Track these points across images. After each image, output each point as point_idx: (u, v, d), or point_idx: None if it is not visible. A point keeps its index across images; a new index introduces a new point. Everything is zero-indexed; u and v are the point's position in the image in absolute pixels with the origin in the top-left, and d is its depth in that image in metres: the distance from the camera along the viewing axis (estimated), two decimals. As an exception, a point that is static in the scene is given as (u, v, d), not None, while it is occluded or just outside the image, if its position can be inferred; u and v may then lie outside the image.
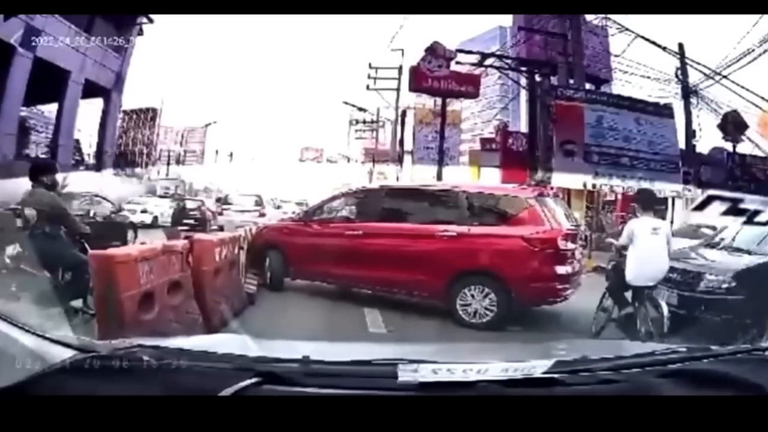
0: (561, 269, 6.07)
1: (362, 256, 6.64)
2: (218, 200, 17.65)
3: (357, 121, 27.83)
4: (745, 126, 18.51)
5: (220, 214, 15.78)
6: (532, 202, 6.33)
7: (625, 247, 5.16)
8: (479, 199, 6.71)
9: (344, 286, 7.19)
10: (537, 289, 6.02)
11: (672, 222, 17.47)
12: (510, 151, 20.66)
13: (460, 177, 21.67)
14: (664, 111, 18.16)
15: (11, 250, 4.23)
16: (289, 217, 9.27)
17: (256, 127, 41.78)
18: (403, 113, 23.31)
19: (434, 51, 17.94)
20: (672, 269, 6.10)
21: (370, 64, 21.66)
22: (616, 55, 19.30)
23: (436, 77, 17.98)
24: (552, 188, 9.07)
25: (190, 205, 16.03)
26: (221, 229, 11.23)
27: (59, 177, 4.68)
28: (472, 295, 6.06)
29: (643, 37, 17.98)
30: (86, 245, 4.67)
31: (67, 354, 1.28)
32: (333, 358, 1.48)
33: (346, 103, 26.12)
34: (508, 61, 19.78)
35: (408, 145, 23.18)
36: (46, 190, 4.47)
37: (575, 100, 17.80)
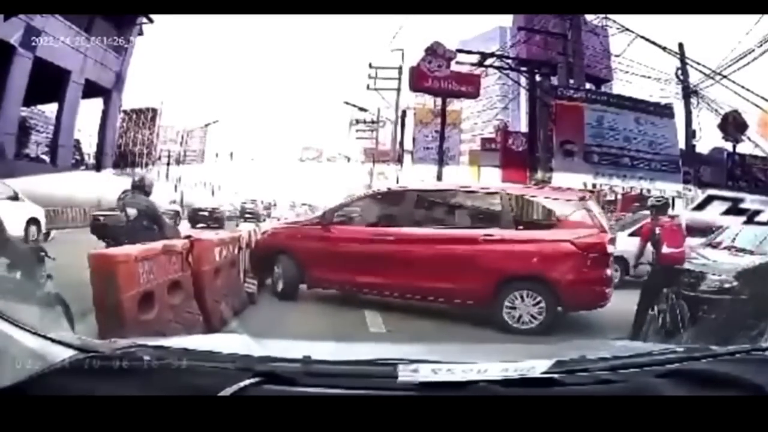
0: (607, 272, 6.00)
1: (396, 264, 6.24)
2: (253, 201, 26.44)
3: (357, 121, 27.85)
4: (745, 126, 18.52)
5: (269, 212, 24.44)
6: (578, 206, 6.20)
7: None
8: (523, 202, 6.45)
9: (370, 295, 6.62)
10: (587, 294, 5.89)
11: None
12: (510, 151, 20.68)
13: (461, 177, 21.73)
14: (664, 111, 18.19)
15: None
16: (303, 219, 8.36)
17: (256, 127, 41.83)
18: (403, 113, 23.34)
19: (434, 51, 17.99)
20: (674, 269, 6.11)
21: (370, 64, 21.74)
22: (616, 55, 19.34)
23: (436, 77, 18.01)
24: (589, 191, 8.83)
25: (248, 206, 24.47)
26: (277, 219, 16.04)
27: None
28: (520, 301, 5.89)
29: (643, 37, 18.00)
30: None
31: (67, 354, 1.28)
32: (333, 357, 1.48)
33: (347, 103, 26.13)
34: (508, 61, 19.79)
35: (408, 145, 23.22)
36: (144, 195, 5.84)
37: (575, 100, 17.83)
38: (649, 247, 5.59)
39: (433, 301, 6.35)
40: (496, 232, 6.13)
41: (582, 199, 6.49)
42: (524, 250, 6.01)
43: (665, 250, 5.39)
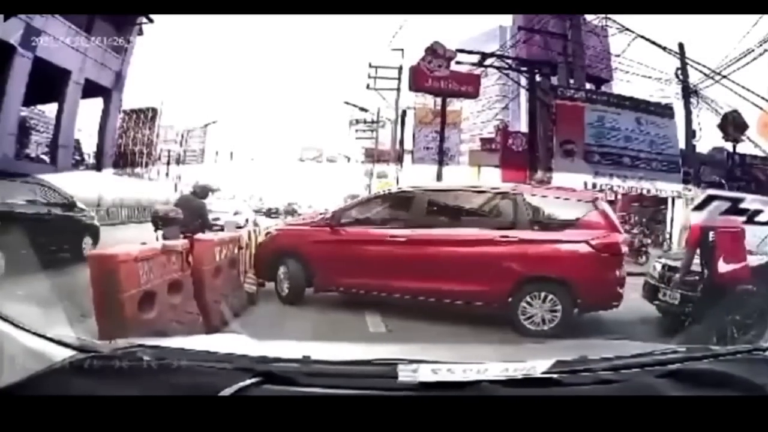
0: (621, 272, 6.03)
1: (411, 266, 6.14)
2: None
3: (357, 121, 27.86)
4: (745, 126, 18.51)
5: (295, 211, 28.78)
6: (593, 206, 6.19)
7: None
8: (539, 203, 6.34)
9: (382, 297, 6.37)
10: (603, 294, 5.91)
11: (672, 221, 17.55)
12: (510, 151, 20.67)
13: (461, 177, 21.73)
14: (664, 111, 18.17)
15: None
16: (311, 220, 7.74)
17: (256, 127, 41.82)
18: (403, 113, 23.34)
19: (434, 51, 17.96)
20: (674, 269, 6.11)
21: (370, 64, 21.74)
22: (616, 55, 19.32)
23: (436, 77, 17.99)
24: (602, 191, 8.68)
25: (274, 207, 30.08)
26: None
27: None
28: (536, 302, 5.88)
29: (643, 37, 17.98)
30: None
31: (67, 354, 1.28)
32: (333, 358, 1.48)
33: (347, 103, 26.16)
34: (508, 61, 19.76)
35: (408, 145, 23.23)
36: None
37: (576, 100, 17.82)
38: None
39: (448, 304, 6.21)
40: (513, 233, 6.05)
41: (595, 199, 6.48)
42: (542, 251, 5.96)
43: (723, 266, 4.35)
